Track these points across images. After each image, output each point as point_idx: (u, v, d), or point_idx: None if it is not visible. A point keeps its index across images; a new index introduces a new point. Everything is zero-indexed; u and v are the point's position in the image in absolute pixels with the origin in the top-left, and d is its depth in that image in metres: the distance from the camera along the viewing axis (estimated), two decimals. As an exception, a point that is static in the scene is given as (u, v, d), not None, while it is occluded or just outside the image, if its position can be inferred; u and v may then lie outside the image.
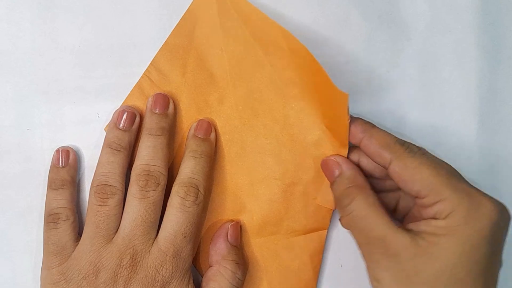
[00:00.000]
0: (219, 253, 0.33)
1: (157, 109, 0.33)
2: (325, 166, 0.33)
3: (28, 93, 0.33)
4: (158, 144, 0.32)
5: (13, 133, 0.33)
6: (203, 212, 0.34)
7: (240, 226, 0.35)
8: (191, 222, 0.31)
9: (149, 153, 0.31)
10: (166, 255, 0.30)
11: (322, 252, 0.36)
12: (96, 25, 0.34)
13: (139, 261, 0.30)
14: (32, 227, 0.34)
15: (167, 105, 0.33)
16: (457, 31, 0.37)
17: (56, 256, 0.31)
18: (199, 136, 0.33)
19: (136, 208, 0.30)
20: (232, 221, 0.34)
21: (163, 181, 0.31)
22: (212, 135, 0.34)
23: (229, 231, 0.33)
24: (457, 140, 0.37)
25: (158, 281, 0.30)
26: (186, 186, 0.31)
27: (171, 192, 0.32)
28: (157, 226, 0.31)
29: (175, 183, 0.32)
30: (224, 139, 0.35)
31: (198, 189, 0.32)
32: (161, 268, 0.30)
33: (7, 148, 0.33)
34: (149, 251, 0.31)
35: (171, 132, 0.33)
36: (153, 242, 0.31)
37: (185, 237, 0.31)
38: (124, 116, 0.32)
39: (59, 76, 0.33)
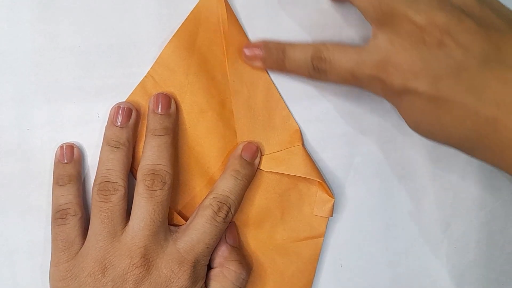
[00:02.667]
0: (220, 255, 0.33)
1: (160, 110, 0.33)
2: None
3: (28, 93, 0.33)
4: (162, 143, 0.32)
5: (13, 133, 0.33)
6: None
7: (237, 228, 0.35)
8: (216, 235, 0.32)
9: (154, 153, 0.32)
10: (185, 259, 0.30)
11: (317, 260, 0.36)
12: (96, 25, 0.33)
13: (152, 261, 0.30)
14: (32, 227, 0.34)
15: (169, 104, 0.33)
16: (457, 31, 0.37)
17: (64, 252, 0.31)
18: (245, 158, 0.34)
19: (144, 208, 0.31)
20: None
21: (169, 180, 0.31)
22: (257, 160, 0.34)
23: (226, 233, 0.34)
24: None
25: (173, 283, 0.30)
26: (221, 202, 0.32)
27: (204, 203, 0.32)
28: (167, 226, 0.32)
29: (210, 195, 0.32)
30: (224, 142, 0.35)
31: (230, 209, 0.32)
32: (179, 270, 0.30)
33: (7, 148, 0.33)
34: (164, 251, 0.31)
35: (175, 131, 0.33)
36: (166, 243, 0.31)
37: (207, 247, 0.31)
38: (120, 113, 0.32)
39: (59, 76, 0.33)
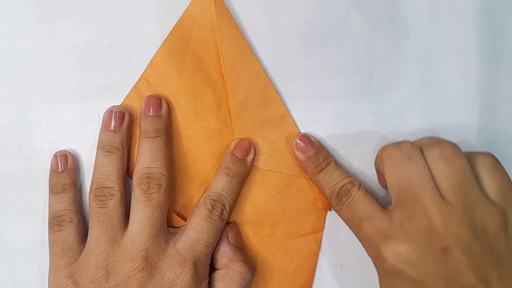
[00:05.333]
0: (225, 256, 0.33)
1: (151, 111, 0.33)
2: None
3: (28, 93, 0.33)
4: (155, 146, 0.32)
5: (13, 133, 0.33)
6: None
7: (238, 227, 0.35)
8: (214, 233, 0.32)
9: (147, 156, 0.31)
10: (186, 259, 0.30)
11: (317, 255, 0.36)
12: (96, 25, 0.33)
13: (154, 264, 0.30)
14: (32, 227, 0.34)
15: (159, 106, 0.33)
16: (457, 31, 0.37)
17: (63, 259, 0.31)
18: (237, 155, 0.34)
19: (142, 211, 0.30)
20: (229, 223, 0.34)
21: (164, 182, 0.31)
22: (250, 157, 0.34)
23: (228, 233, 0.33)
24: (457, 140, 0.37)
25: (177, 284, 0.30)
26: (214, 200, 0.32)
27: (198, 202, 0.32)
28: (166, 228, 0.32)
29: (204, 194, 0.32)
30: (221, 142, 0.35)
31: (225, 207, 0.32)
32: (181, 272, 0.30)
33: (7, 148, 0.33)
34: (165, 254, 0.31)
35: (168, 132, 0.33)
36: (166, 245, 0.31)
37: (207, 246, 0.31)
38: (113, 117, 0.32)
39: (59, 76, 0.33)
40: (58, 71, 0.33)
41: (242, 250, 0.34)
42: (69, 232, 0.31)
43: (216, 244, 0.33)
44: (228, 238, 0.33)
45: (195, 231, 0.31)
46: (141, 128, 0.32)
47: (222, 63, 0.34)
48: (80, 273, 0.30)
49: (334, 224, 0.36)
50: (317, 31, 0.36)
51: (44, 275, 0.32)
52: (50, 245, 0.31)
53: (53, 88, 0.33)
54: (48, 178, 0.33)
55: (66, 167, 0.33)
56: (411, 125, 0.37)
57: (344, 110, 0.36)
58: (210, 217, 0.31)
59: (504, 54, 0.37)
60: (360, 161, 0.37)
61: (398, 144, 0.31)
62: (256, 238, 0.35)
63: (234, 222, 0.35)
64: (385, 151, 0.32)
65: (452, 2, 0.37)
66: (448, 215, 0.29)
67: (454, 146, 0.31)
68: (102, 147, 0.32)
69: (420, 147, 0.31)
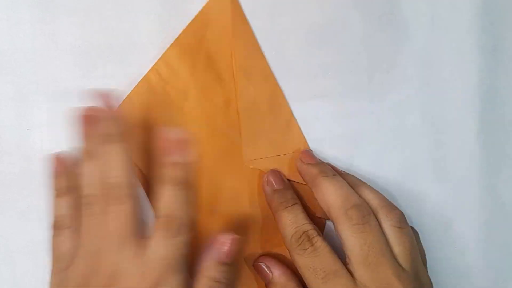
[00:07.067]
0: (201, 265, 0.30)
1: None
2: (258, 270, 0.34)
3: (28, 93, 0.33)
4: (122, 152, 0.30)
5: (13, 133, 0.33)
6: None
7: (235, 242, 0.31)
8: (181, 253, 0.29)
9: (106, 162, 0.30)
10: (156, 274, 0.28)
11: None
12: (96, 25, 0.34)
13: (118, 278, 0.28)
14: (32, 227, 0.34)
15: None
16: (457, 31, 0.37)
17: (60, 263, 0.30)
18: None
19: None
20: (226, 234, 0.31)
21: (130, 189, 0.29)
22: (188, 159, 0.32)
23: (218, 247, 0.30)
24: (458, 140, 0.37)
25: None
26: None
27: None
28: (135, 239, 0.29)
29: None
30: (227, 143, 0.35)
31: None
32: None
33: (7, 148, 0.33)
34: (132, 265, 0.28)
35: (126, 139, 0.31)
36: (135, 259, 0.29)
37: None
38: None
39: (59, 76, 0.33)
40: (58, 71, 0.33)
41: (224, 267, 0.30)
42: (69, 236, 0.31)
43: (204, 249, 0.31)
44: (216, 251, 0.30)
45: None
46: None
47: (233, 64, 0.34)
48: (69, 278, 0.29)
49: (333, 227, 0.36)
50: (317, 31, 0.36)
51: (44, 275, 0.32)
52: (50, 248, 0.31)
53: (53, 88, 0.33)
54: (48, 179, 0.33)
55: (67, 169, 0.32)
56: (411, 125, 0.37)
57: (344, 110, 0.36)
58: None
59: (504, 54, 0.37)
60: (360, 161, 0.37)
61: (354, 205, 0.31)
62: (256, 243, 0.35)
63: (233, 237, 0.31)
64: (341, 210, 0.31)
65: (452, 2, 0.37)
66: (407, 282, 0.30)
67: (403, 215, 0.32)
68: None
69: (374, 210, 0.32)
